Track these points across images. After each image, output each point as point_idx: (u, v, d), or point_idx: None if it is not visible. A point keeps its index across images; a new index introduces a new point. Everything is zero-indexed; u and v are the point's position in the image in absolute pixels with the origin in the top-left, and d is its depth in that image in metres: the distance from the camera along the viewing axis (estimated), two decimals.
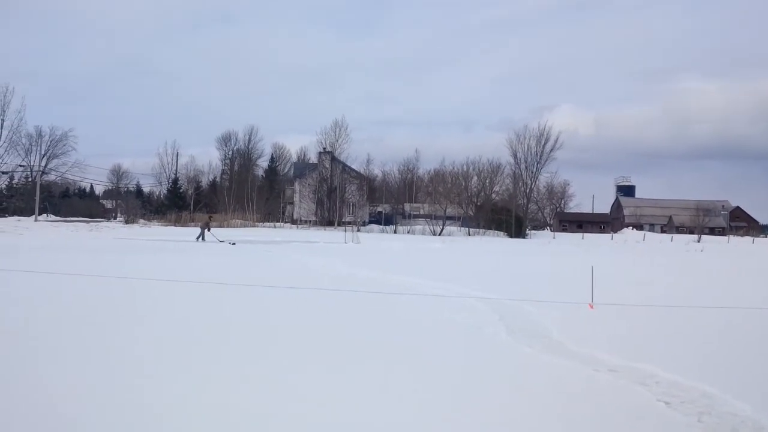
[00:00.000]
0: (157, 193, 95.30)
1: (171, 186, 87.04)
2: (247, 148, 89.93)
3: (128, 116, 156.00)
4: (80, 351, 7.39)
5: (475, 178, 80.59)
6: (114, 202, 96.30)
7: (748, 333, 10.13)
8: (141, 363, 6.91)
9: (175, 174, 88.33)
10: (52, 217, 72.14)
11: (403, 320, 10.35)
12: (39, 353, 7.23)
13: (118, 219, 76.29)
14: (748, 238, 77.54)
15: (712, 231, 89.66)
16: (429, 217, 73.04)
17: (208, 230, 35.59)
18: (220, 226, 62.01)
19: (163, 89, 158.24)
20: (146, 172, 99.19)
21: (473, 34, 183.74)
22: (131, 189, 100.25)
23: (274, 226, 67.82)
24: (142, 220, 69.96)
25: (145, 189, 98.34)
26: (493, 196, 79.89)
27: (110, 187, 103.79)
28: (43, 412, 5.22)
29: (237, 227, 62.81)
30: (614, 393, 6.34)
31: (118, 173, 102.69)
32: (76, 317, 9.74)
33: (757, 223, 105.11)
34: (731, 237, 79.35)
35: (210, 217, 43.91)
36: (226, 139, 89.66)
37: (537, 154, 73.51)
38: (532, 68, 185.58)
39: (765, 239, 79.24)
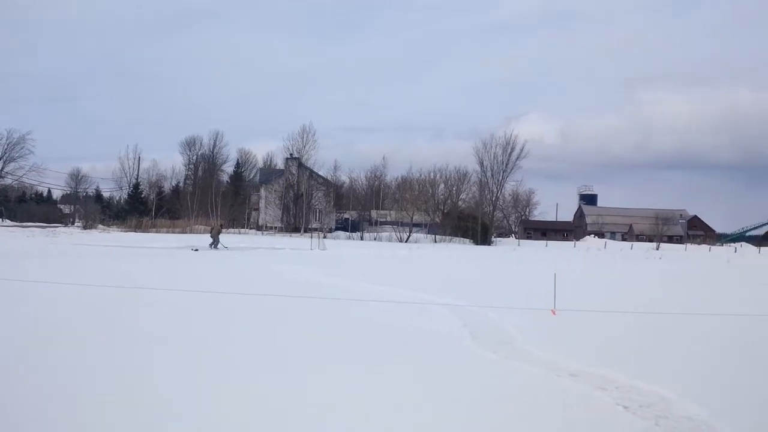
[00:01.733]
0: (118, 198, 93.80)
1: (132, 191, 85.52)
2: (212, 153, 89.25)
3: (89, 119, 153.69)
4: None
5: (442, 185, 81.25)
6: (72, 207, 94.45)
7: (705, 338, 10.37)
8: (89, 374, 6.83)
9: (137, 179, 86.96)
10: (8, 222, 70.46)
11: (368, 327, 10.37)
12: None
13: (76, 224, 74.83)
14: (705, 246, 79.17)
15: (671, 239, 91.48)
16: (396, 224, 73.29)
17: (217, 237, 35.96)
18: (182, 232, 61.46)
19: (125, 92, 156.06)
20: (106, 177, 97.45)
21: (444, 43, 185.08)
22: (90, 194, 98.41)
23: (239, 232, 67.31)
24: (101, 226, 68.67)
25: (105, 194, 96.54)
26: (460, 203, 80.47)
27: (69, 192, 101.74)
28: None
29: (200, 233, 62.18)
30: (575, 398, 6.45)
31: (77, 177, 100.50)
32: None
33: (714, 231, 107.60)
34: (689, 245, 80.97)
35: (222, 225, 44.89)
36: (190, 144, 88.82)
37: (503, 162, 74.38)
38: (502, 77, 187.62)
39: (721, 247, 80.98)
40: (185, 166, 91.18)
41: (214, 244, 35.48)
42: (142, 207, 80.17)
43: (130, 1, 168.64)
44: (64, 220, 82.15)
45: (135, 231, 63.41)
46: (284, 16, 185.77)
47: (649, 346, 9.49)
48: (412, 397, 6.21)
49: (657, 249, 67.29)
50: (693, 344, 9.77)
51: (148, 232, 62.65)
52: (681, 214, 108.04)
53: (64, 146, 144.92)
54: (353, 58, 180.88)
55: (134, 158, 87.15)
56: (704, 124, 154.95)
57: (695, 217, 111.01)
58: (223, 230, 40.96)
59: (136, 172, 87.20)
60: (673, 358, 8.65)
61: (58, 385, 6.20)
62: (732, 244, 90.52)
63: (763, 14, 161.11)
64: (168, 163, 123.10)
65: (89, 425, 5.13)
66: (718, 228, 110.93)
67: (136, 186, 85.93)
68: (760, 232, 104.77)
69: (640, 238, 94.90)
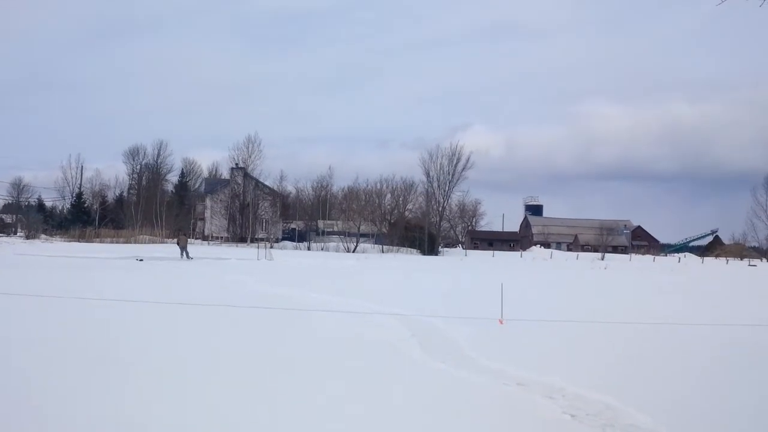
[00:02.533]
0: (60, 207, 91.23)
1: (75, 200, 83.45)
2: (156, 162, 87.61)
3: (30, 128, 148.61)
4: None
5: (389, 195, 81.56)
6: (14, 216, 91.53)
7: (649, 347, 10.57)
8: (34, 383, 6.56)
9: (80, 188, 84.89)
10: None
11: (317, 337, 10.26)
12: None
13: (18, 234, 72.47)
14: (648, 256, 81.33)
15: (615, 249, 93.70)
16: (343, 234, 73.10)
17: (186, 248, 36.81)
18: (127, 242, 60.19)
19: (68, 100, 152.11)
20: (49, 186, 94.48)
21: (390, 54, 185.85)
22: (32, 203, 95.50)
23: (190, 242, 66.13)
24: (43, 236, 66.68)
25: (48, 203, 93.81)
26: (407, 213, 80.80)
27: (10, 201, 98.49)
28: None
29: (145, 243, 60.91)
30: (523, 406, 6.47)
31: (18, 187, 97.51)
32: None
33: (657, 241, 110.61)
34: (633, 255, 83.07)
35: (185, 235, 46.42)
36: (133, 153, 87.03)
37: (449, 173, 75.11)
38: (445, 89, 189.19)
39: (665, 257, 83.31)
40: (129, 175, 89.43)
41: (185, 254, 36.33)
42: (85, 217, 78.17)
43: (70, 12, 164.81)
44: (5, 230, 79.49)
45: (78, 241, 61.74)
46: (224, 28, 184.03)
47: (595, 354, 9.63)
48: (359, 408, 6.13)
49: (602, 259, 68.79)
50: (638, 353, 9.94)
51: (92, 242, 61.07)
52: (625, 225, 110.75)
53: (5, 155, 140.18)
54: (294, 70, 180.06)
55: (77, 168, 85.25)
56: (645, 135, 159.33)
57: (639, 227, 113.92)
58: (188, 241, 42.03)
59: (78, 182, 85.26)
60: (618, 366, 8.77)
61: None
62: (675, 254, 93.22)
63: (700, 28, 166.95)
64: (111, 172, 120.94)
65: None
66: (662, 238, 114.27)
67: (79, 195, 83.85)
68: (703, 242, 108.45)
69: (585, 248, 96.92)
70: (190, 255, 36.51)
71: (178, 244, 39.13)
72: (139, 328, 10.63)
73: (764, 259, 77.62)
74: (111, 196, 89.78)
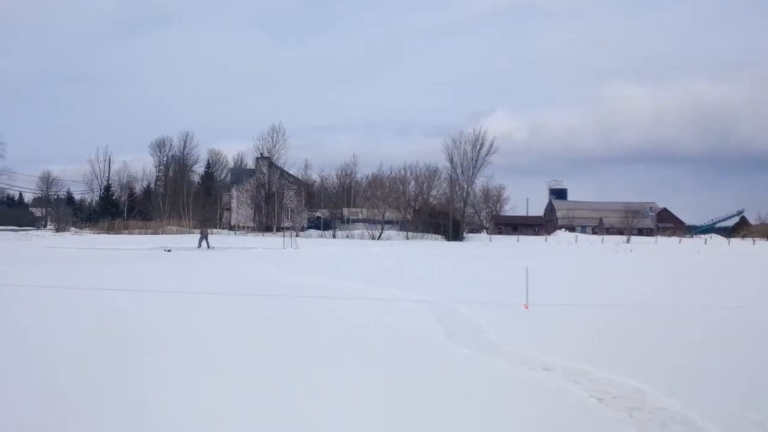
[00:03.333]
0: (89, 200, 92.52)
1: (103, 193, 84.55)
2: (183, 154, 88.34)
3: (59, 121, 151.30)
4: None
5: (413, 182, 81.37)
6: (44, 210, 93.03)
7: (677, 330, 10.45)
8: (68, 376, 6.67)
9: (108, 181, 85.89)
10: None
11: (343, 325, 10.30)
12: None
13: (48, 227, 73.67)
14: (674, 238, 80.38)
15: (641, 232, 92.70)
16: (367, 221, 73.17)
17: (206, 238, 38.28)
18: (155, 233, 60.86)
19: (95, 93, 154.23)
20: (77, 179, 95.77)
21: (412, 40, 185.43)
22: (62, 197, 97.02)
23: (211, 233, 66.69)
24: (73, 228, 67.76)
25: (77, 196, 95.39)
26: (431, 200, 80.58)
27: (40, 195, 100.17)
28: None
29: (172, 234, 61.56)
30: (549, 391, 6.45)
31: (47, 180, 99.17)
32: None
33: (683, 223, 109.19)
34: (658, 237, 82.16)
35: (206, 227, 48.85)
36: (160, 145, 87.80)
37: (473, 158, 74.79)
38: (467, 74, 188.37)
39: (691, 239, 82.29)
40: (156, 167, 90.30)
41: (206, 243, 37.50)
42: (113, 209, 79.23)
43: (94, 4, 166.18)
44: (36, 223, 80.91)
45: (107, 233, 62.61)
46: (246, 17, 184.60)
47: (622, 338, 9.54)
48: (385, 394, 6.16)
49: (627, 242, 68.12)
50: (665, 336, 9.84)
51: (121, 233, 61.90)
52: (650, 207, 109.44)
53: (34, 149, 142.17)
54: (315, 58, 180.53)
55: (104, 160, 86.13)
56: (671, 117, 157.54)
57: (665, 209, 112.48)
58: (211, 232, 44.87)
59: (106, 174, 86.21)
60: (645, 350, 8.69)
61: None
62: (702, 235, 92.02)
63: (722, 6, 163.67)
64: (138, 164, 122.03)
65: None
66: (688, 220, 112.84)
67: (107, 188, 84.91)
68: (729, 223, 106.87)
69: (610, 231, 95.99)
70: (210, 245, 37.51)
71: (201, 234, 40.32)
72: (163, 317, 10.76)
73: None
74: (138, 188, 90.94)
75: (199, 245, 37.32)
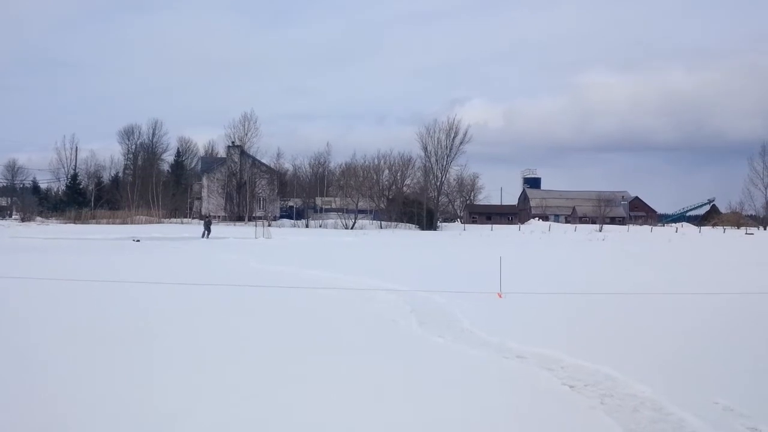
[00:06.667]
0: (56, 189, 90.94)
1: (70, 182, 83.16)
2: (152, 142, 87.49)
3: (24, 109, 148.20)
4: None
5: (387, 171, 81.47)
6: (9, 199, 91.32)
7: (648, 318, 10.59)
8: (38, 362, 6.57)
9: (74, 169, 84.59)
10: None
11: (317, 314, 10.26)
12: None
13: (13, 217, 72.36)
14: (646, 227, 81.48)
15: (613, 220, 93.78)
16: (341, 210, 73.06)
17: (208, 228, 38.80)
18: (123, 223, 60.17)
19: (62, 81, 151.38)
20: (43, 168, 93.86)
21: (387, 27, 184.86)
22: (27, 186, 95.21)
23: (182, 222, 66.16)
24: (39, 218, 66.60)
25: (43, 185, 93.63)
26: (405, 189, 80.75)
27: (5, 184, 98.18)
28: None
29: (141, 224, 60.87)
30: (522, 378, 6.50)
31: (13, 169, 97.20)
32: None
33: (655, 212, 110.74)
34: (630, 226, 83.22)
35: (209, 218, 48.96)
36: (128, 133, 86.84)
37: (447, 147, 75.00)
38: (442, 63, 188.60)
39: (662, 228, 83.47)
40: (124, 155, 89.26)
41: (207, 233, 37.93)
42: (80, 198, 78.04)
43: None
44: (1, 213, 79.37)
45: (75, 223, 61.71)
46: (219, 4, 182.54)
47: (594, 326, 9.64)
48: (359, 383, 6.15)
49: (600, 231, 68.94)
50: (636, 324, 9.96)
51: (88, 223, 61.09)
52: (623, 196, 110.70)
53: None
54: (288, 46, 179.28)
55: (71, 149, 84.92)
56: (643, 106, 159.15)
57: (637, 198, 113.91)
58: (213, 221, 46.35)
59: (73, 163, 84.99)
60: (617, 337, 8.79)
61: None
62: (673, 224, 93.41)
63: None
64: (106, 153, 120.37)
65: None
66: (660, 209, 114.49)
67: (74, 177, 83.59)
68: (701, 212, 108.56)
69: (583, 220, 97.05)
70: (209, 234, 37.89)
71: (204, 223, 40.83)
72: (139, 308, 10.63)
73: (761, 227, 77.77)
74: (106, 177, 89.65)
75: (207, 236, 37.59)
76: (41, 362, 6.83)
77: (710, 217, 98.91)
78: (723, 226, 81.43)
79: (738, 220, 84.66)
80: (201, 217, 43.30)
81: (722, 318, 10.71)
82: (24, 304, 10.88)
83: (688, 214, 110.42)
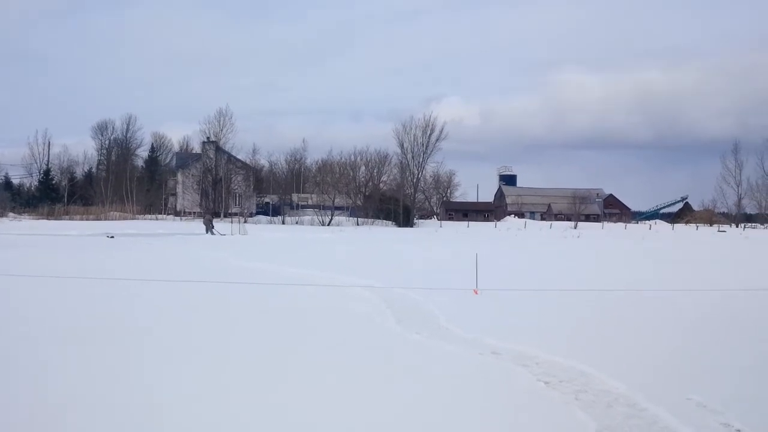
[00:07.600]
0: (28, 185, 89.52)
1: (42, 177, 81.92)
2: (125, 137, 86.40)
3: None
4: None
5: (363, 168, 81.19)
6: None
7: (623, 314, 10.69)
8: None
9: (47, 164, 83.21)
10: None
11: (293, 311, 10.23)
12: None
13: None
14: (620, 224, 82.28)
15: (588, 218, 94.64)
16: (317, 207, 72.82)
17: (212, 225, 39.10)
18: (97, 219, 59.46)
19: (34, 74, 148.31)
20: (15, 163, 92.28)
21: (364, 24, 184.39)
22: None
23: (156, 219, 65.49)
24: (11, 214, 65.53)
25: (15, 181, 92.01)
26: (381, 185, 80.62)
27: None
28: None
29: (116, 219, 60.16)
30: (497, 374, 6.52)
31: None
32: None
33: (629, 209, 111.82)
34: (605, 223, 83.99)
35: (212, 214, 49.74)
36: (102, 128, 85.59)
37: (423, 144, 74.94)
38: (419, 60, 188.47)
39: (636, 225, 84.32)
40: (98, 151, 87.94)
41: (210, 230, 38.21)
42: (53, 194, 76.85)
43: None
44: None
45: (47, 218, 60.79)
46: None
47: (569, 323, 9.71)
48: (334, 380, 6.12)
49: (575, 228, 69.45)
50: (611, 320, 10.06)
51: (62, 219, 60.20)
52: (597, 194, 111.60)
53: None
54: (264, 42, 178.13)
55: (44, 143, 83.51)
56: (618, 104, 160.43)
57: (611, 195, 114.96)
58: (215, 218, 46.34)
59: (46, 158, 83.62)
60: (592, 334, 8.87)
61: None
62: (647, 221, 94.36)
63: None
64: (80, 148, 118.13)
65: None
66: (634, 206, 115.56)
67: (47, 172, 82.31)
68: (674, 209, 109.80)
69: (558, 217, 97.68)
70: (213, 232, 38.08)
71: (204, 222, 40.75)
72: (121, 305, 10.50)
73: (733, 225, 78.88)
74: (80, 172, 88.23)
75: (213, 233, 37.66)
76: (20, 360, 6.72)
77: (683, 214, 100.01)
78: (696, 223, 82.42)
79: (710, 217, 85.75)
80: (203, 215, 43.36)
81: (697, 315, 10.83)
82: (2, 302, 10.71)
83: (661, 211, 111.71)
